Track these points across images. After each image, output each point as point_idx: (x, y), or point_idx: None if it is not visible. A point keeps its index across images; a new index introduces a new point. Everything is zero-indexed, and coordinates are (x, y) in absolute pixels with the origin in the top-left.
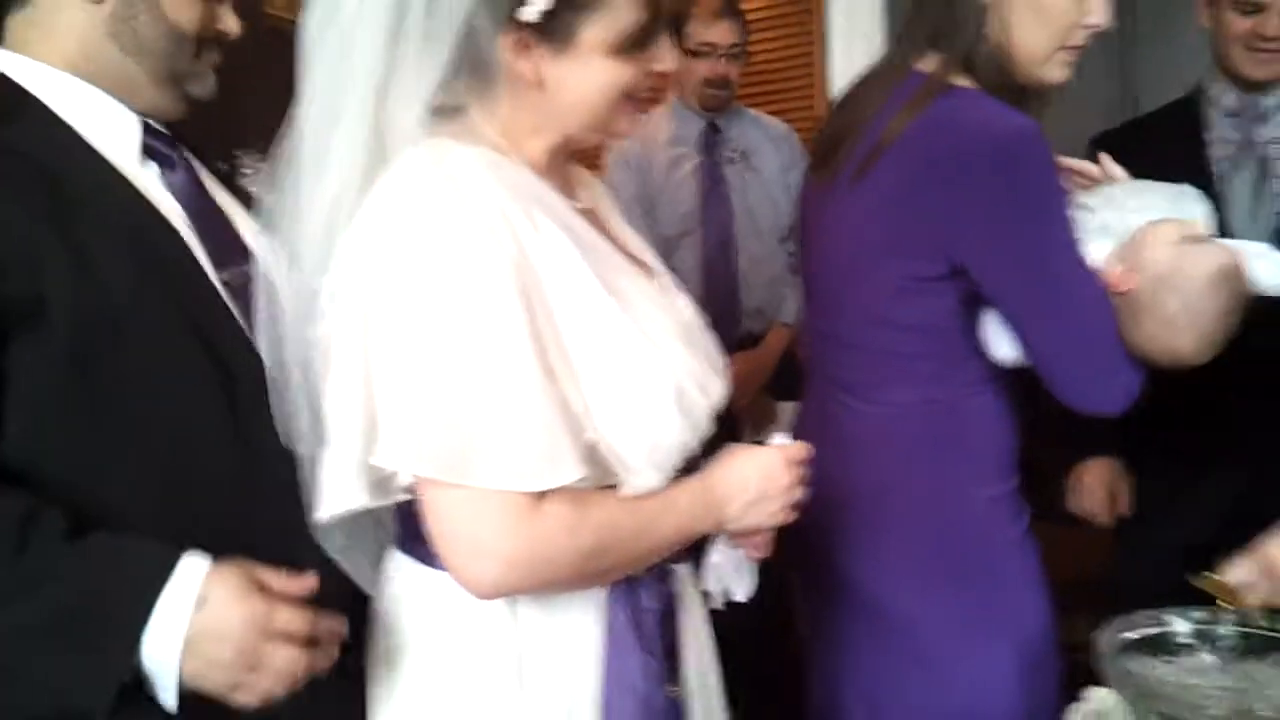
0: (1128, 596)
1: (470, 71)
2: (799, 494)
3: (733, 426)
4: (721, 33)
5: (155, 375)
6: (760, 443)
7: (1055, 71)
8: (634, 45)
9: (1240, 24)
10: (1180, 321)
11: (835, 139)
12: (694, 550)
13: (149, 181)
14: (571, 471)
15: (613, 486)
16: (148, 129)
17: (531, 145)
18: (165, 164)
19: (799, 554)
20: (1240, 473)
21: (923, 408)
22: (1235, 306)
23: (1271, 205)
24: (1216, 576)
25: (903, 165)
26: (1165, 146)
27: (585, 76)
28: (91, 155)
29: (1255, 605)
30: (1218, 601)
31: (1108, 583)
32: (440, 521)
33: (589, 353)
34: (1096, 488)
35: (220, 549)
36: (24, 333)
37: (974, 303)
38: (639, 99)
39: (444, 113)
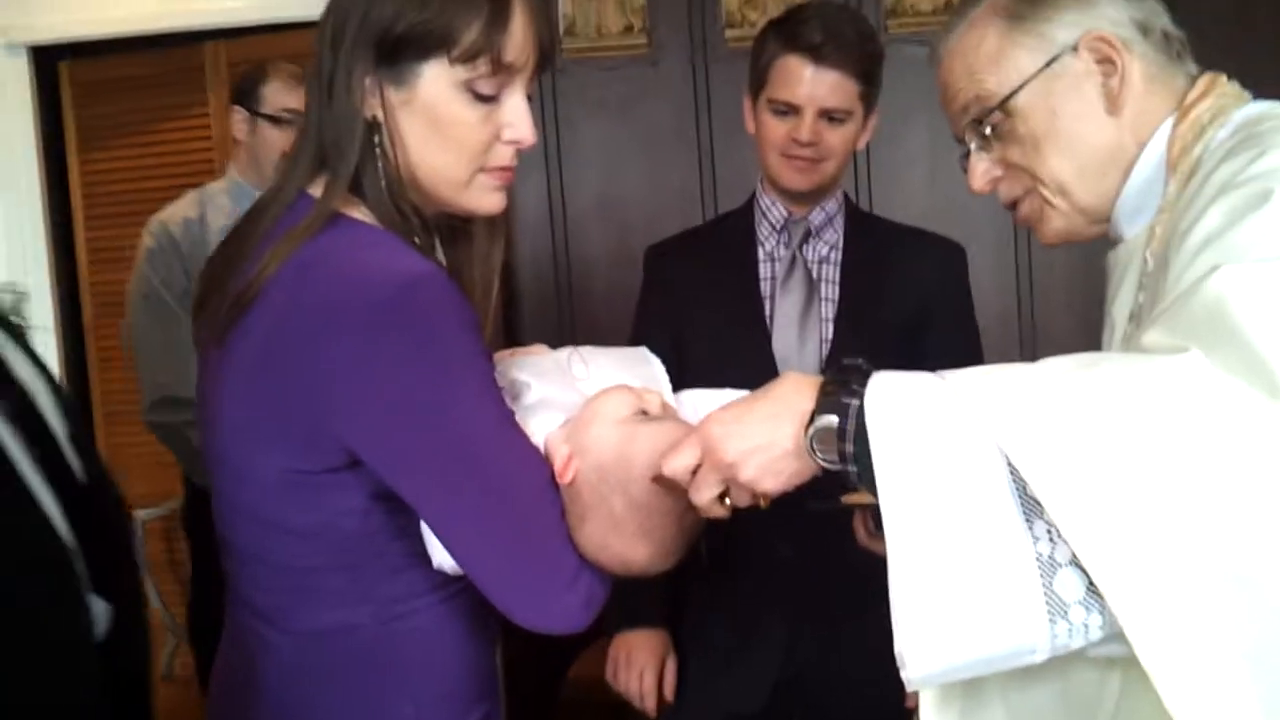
0: None
1: None
2: None
3: None
4: (302, 99)
5: None
6: None
7: (482, 199)
8: None
9: (777, 129)
10: (629, 526)
11: (211, 282)
12: None
13: None
14: None
15: None
16: None
17: None
18: None
19: None
20: (784, 629)
21: (340, 638)
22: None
23: (819, 331)
24: (667, 472)
25: (269, 320)
26: (719, 260)
27: None
28: None
29: (715, 504)
30: None
31: None
32: None
33: None
34: (647, 665)
35: None
36: None
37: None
38: None
39: None
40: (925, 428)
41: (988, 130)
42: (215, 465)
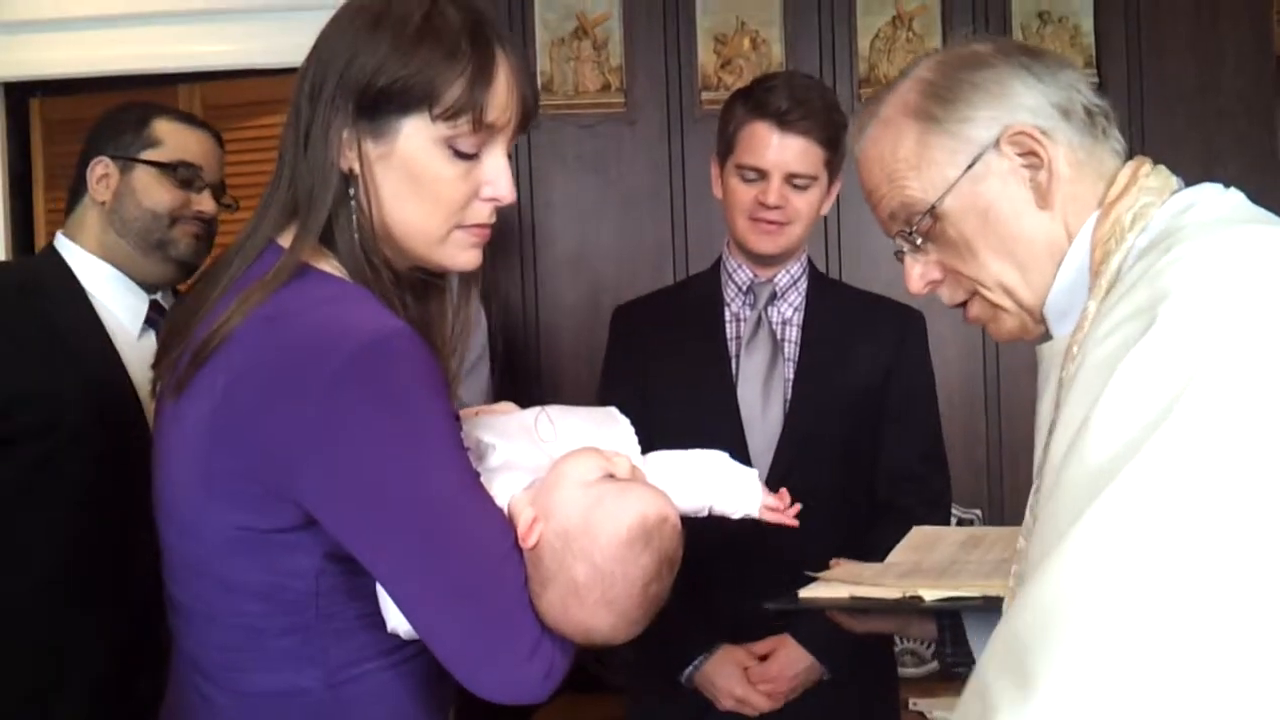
0: None
1: None
2: None
3: None
4: None
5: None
6: None
7: (458, 255)
8: None
9: (744, 193)
10: (591, 594)
11: (174, 331)
12: None
13: (143, 347)
14: None
15: None
16: (154, 305)
17: None
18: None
19: None
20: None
21: (285, 700)
22: (664, 570)
23: (782, 391)
24: None
25: (229, 373)
26: (686, 320)
27: None
28: (95, 326)
29: None
30: None
31: None
32: None
33: None
34: (733, 684)
35: None
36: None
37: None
38: None
39: None
40: None
41: (919, 240)
42: (164, 517)
